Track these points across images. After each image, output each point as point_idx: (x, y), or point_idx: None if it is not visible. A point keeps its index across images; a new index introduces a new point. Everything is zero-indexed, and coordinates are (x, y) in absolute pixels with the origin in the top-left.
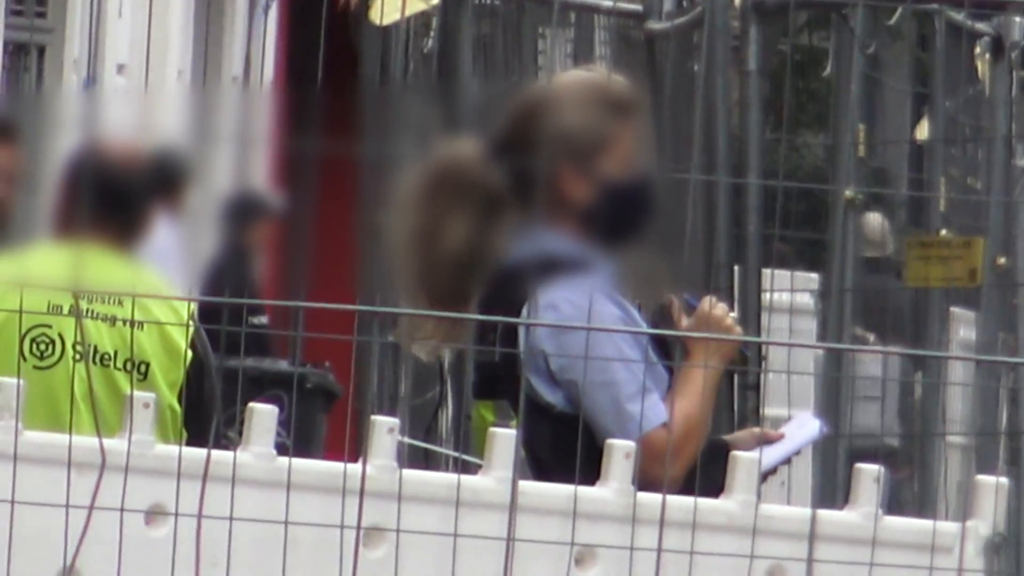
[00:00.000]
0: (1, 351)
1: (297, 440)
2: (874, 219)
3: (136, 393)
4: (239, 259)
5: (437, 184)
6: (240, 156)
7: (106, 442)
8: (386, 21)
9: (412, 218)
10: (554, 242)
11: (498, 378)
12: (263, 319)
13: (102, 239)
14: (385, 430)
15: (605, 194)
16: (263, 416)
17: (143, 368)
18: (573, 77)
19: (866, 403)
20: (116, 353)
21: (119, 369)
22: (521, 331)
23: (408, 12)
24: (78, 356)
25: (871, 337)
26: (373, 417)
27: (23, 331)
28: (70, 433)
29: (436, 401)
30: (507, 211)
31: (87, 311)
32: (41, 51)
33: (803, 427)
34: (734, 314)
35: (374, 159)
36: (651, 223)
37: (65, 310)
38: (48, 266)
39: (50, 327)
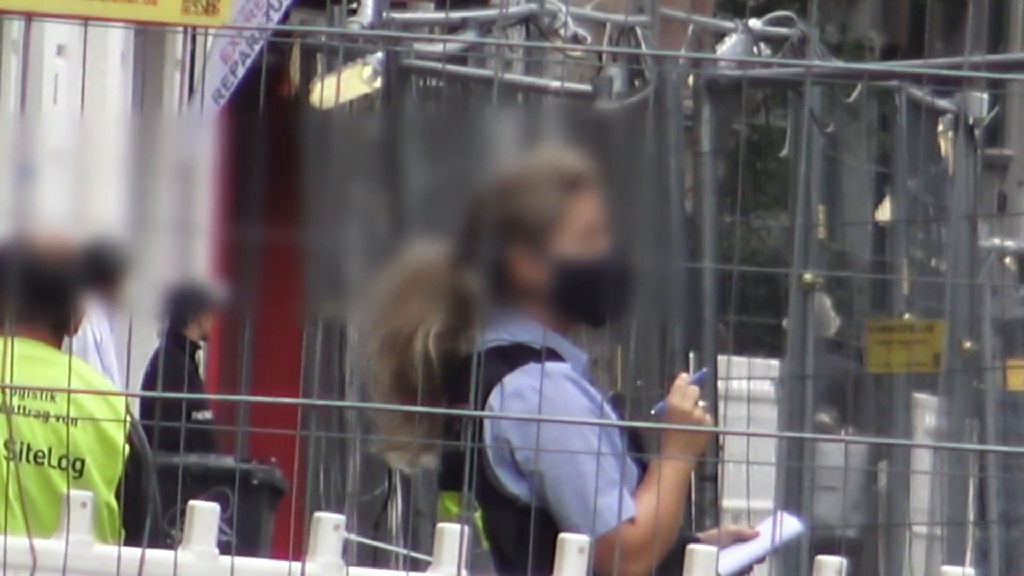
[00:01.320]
0: None
1: (243, 538)
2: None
3: (73, 492)
4: (179, 352)
5: (407, 289)
6: (180, 246)
7: (44, 543)
8: (327, 105)
9: (385, 323)
10: (520, 330)
11: (462, 467)
12: (207, 414)
13: (32, 332)
14: (331, 527)
15: (561, 275)
16: (204, 514)
17: (78, 465)
18: (520, 159)
19: (828, 493)
20: (50, 450)
21: (54, 467)
22: (486, 421)
23: (349, 95)
24: (8, 455)
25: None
26: (317, 514)
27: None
28: (4, 534)
29: (385, 496)
30: (479, 310)
31: (19, 407)
32: None
33: (780, 526)
34: (703, 404)
35: (318, 247)
36: (612, 300)
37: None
38: None
39: None
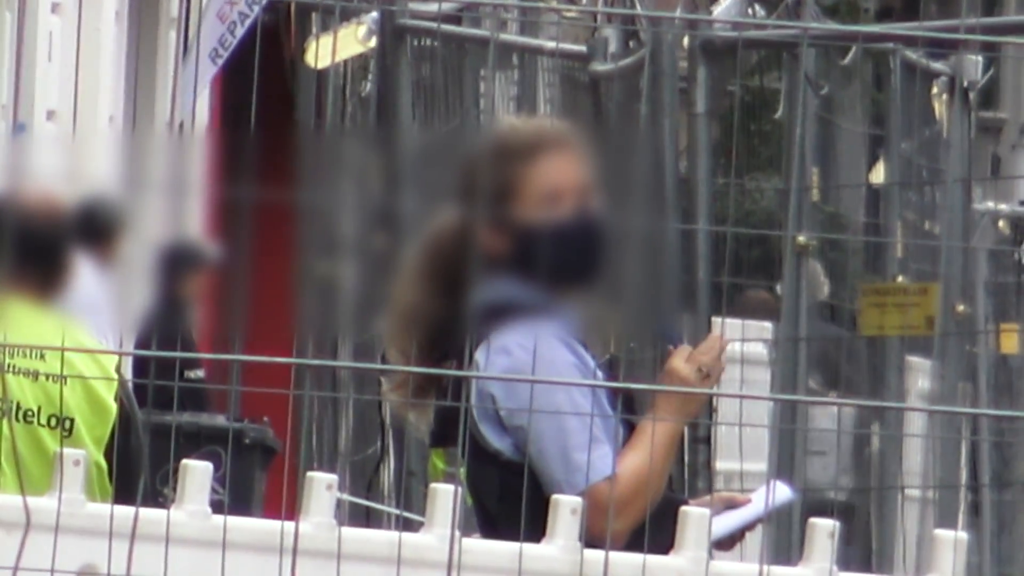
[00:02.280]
0: None
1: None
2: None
3: (66, 450)
4: (173, 311)
5: (421, 252)
6: (174, 204)
7: (37, 501)
8: (322, 64)
9: (398, 283)
10: (508, 287)
11: (452, 424)
12: (200, 373)
13: (22, 290)
14: (323, 487)
15: (520, 241)
16: (197, 473)
17: (68, 424)
18: (490, 129)
19: (820, 456)
20: (40, 409)
21: (43, 425)
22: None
23: (344, 55)
24: (15, 416)
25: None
26: (310, 474)
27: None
28: None
29: (377, 456)
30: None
31: (8, 366)
32: None
33: (772, 493)
34: (702, 371)
35: (312, 206)
36: (576, 262)
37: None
38: None
39: None
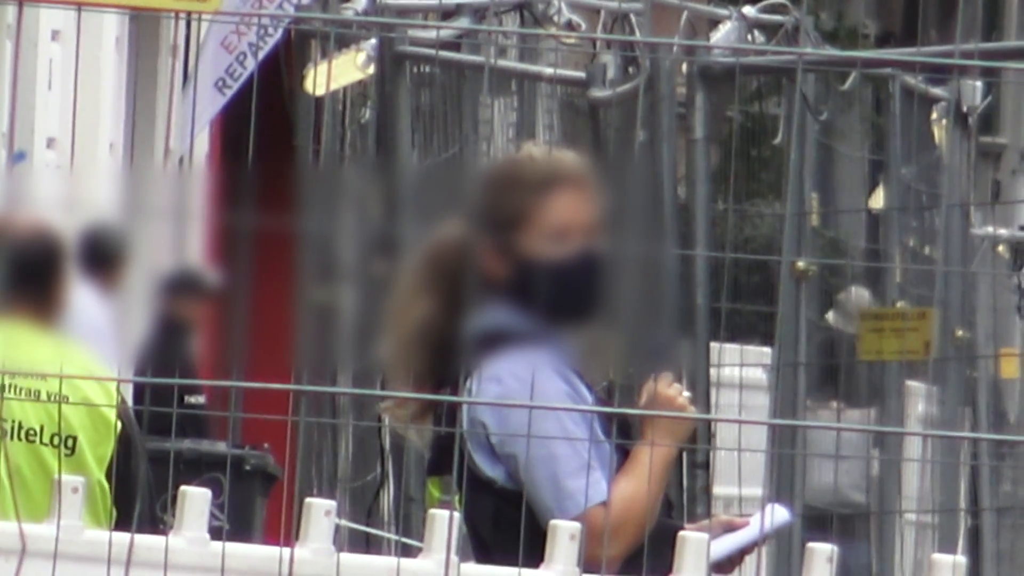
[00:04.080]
0: None
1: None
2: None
3: (65, 477)
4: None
5: (421, 268)
6: (174, 232)
7: (34, 528)
8: (320, 92)
9: (397, 300)
10: (502, 315)
11: (448, 453)
12: (200, 399)
13: (18, 312)
14: (322, 513)
15: (520, 272)
16: (196, 500)
17: (71, 443)
18: (504, 155)
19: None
20: (42, 428)
21: (46, 444)
22: (463, 405)
23: (342, 82)
24: (16, 435)
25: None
26: (308, 500)
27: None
28: None
29: (377, 482)
30: (466, 293)
31: (8, 387)
32: None
33: (771, 515)
34: (687, 393)
35: (311, 233)
36: (572, 300)
37: (15, 392)
38: None
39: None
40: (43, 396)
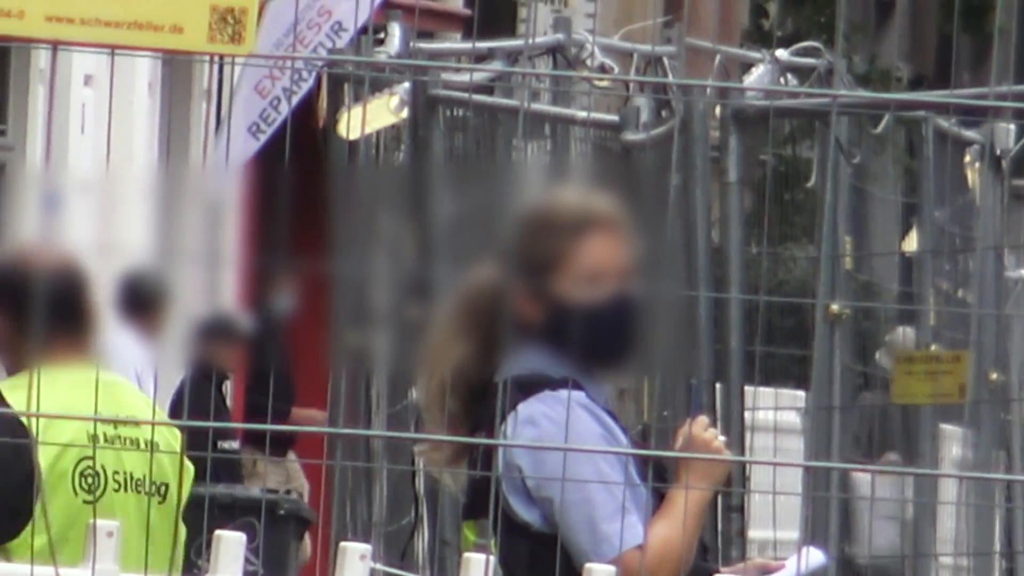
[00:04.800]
0: (54, 485)
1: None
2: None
3: (100, 521)
4: (206, 382)
5: (456, 311)
6: (208, 276)
7: (71, 572)
8: (354, 135)
9: (433, 343)
10: (537, 358)
11: (484, 496)
12: (234, 444)
13: (54, 353)
14: (357, 557)
15: (555, 315)
16: (230, 544)
17: (163, 490)
18: (537, 198)
19: (887, 523)
20: (144, 477)
21: (148, 494)
22: (499, 448)
23: (376, 126)
24: (117, 486)
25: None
26: (343, 544)
27: (73, 464)
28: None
29: (411, 526)
30: (500, 337)
31: (115, 438)
32: (1, 168)
33: (806, 559)
34: (723, 437)
35: (345, 277)
36: (607, 344)
37: (101, 439)
38: (68, 394)
39: (92, 458)
40: (141, 445)
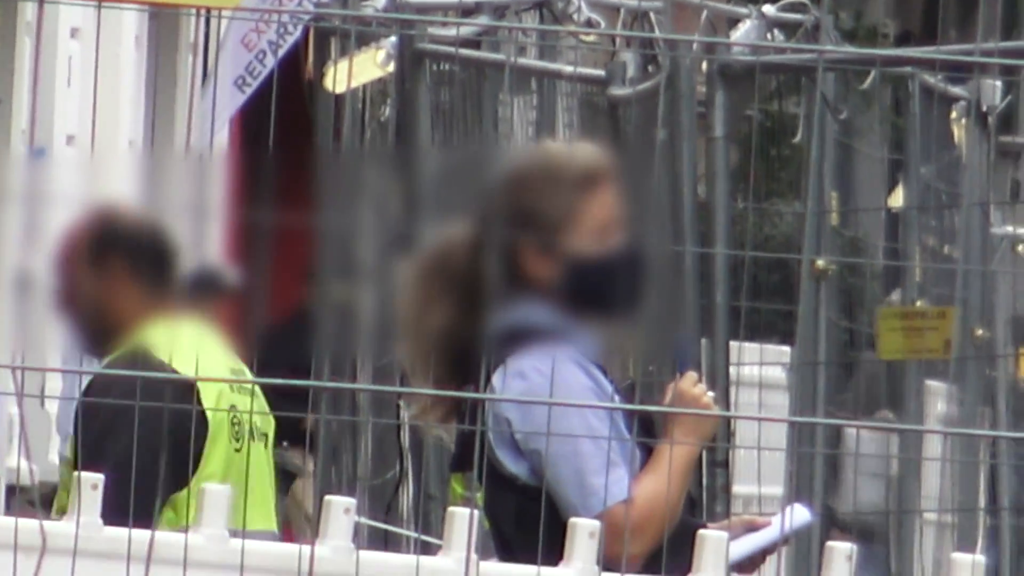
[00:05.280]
0: (215, 434)
1: None
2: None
3: (84, 474)
4: None
5: (428, 272)
6: (194, 229)
7: (55, 525)
8: (340, 89)
9: (410, 306)
10: (527, 311)
11: (472, 449)
12: None
13: (151, 311)
14: (341, 510)
15: (570, 271)
16: (216, 496)
17: (265, 440)
18: (535, 152)
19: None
20: (259, 427)
21: (264, 444)
22: (487, 401)
23: (363, 79)
24: (252, 436)
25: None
26: (328, 497)
27: (226, 413)
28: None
29: (396, 480)
30: (491, 292)
31: (242, 388)
32: None
33: (791, 516)
34: (711, 393)
35: (330, 230)
36: (622, 297)
37: (235, 388)
38: (200, 347)
39: (237, 409)
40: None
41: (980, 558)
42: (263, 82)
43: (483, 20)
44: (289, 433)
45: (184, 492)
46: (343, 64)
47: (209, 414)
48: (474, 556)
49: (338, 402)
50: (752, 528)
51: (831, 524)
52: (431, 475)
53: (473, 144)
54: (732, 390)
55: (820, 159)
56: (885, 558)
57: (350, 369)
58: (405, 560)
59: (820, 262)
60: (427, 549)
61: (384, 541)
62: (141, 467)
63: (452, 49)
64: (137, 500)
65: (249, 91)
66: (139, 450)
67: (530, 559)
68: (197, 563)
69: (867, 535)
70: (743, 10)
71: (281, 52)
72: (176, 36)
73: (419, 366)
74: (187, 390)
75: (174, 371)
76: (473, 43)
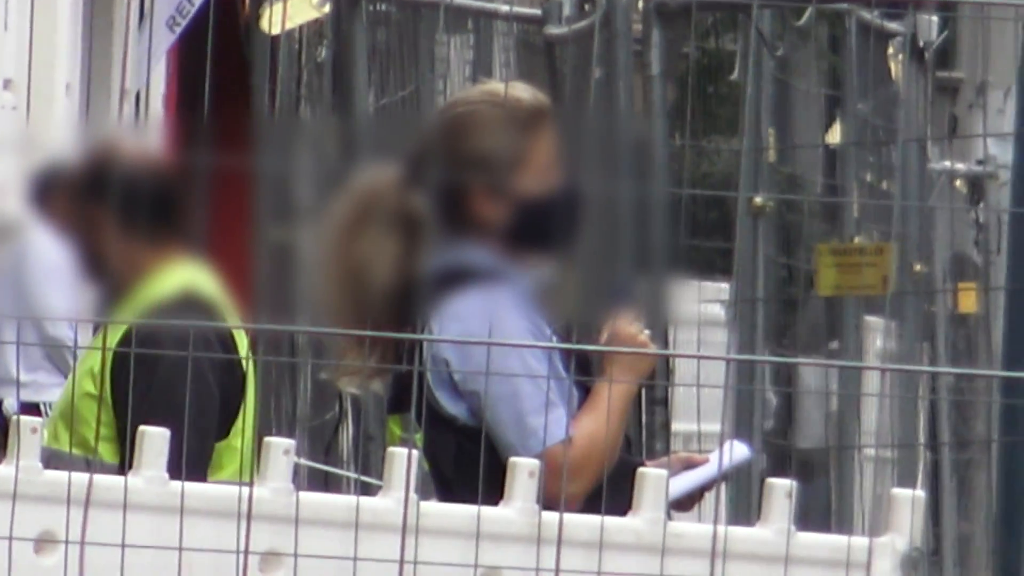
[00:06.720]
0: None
1: None
2: None
3: (24, 417)
4: None
5: (357, 213)
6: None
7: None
8: (276, 30)
9: (336, 249)
10: (466, 253)
11: (409, 390)
12: None
13: (163, 252)
14: (280, 452)
15: (520, 212)
16: (154, 439)
17: None
18: (479, 94)
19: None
20: None
21: None
22: (426, 343)
23: (298, 21)
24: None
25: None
26: (267, 439)
27: (253, 357)
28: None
29: (336, 421)
30: (428, 234)
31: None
32: None
33: (730, 452)
34: (647, 331)
35: (267, 172)
36: (564, 236)
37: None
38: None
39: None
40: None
41: (920, 493)
42: (196, 21)
43: None
44: None
45: (223, 443)
46: (279, 5)
47: (244, 364)
48: (414, 496)
49: (277, 344)
50: (691, 465)
51: (772, 461)
52: (370, 416)
53: (410, 85)
54: (670, 328)
55: (757, 96)
56: (826, 493)
57: (288, 311)
58: (345, 501)
59: (758, 199)
60: (367, 490)
61: (324, 482)
62: (200, 419)
63: None
64: (202, 452)
65: (179, 31)
66: (200, 402)
67: (470, 499)
68: (136, 505)
69: (808, 471)
70: None
71: None
72: None
73: (351, 322)
74: (230, 339)
75: (223, 321)
76: None
